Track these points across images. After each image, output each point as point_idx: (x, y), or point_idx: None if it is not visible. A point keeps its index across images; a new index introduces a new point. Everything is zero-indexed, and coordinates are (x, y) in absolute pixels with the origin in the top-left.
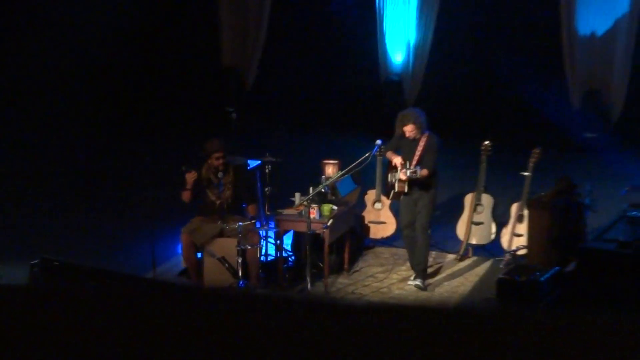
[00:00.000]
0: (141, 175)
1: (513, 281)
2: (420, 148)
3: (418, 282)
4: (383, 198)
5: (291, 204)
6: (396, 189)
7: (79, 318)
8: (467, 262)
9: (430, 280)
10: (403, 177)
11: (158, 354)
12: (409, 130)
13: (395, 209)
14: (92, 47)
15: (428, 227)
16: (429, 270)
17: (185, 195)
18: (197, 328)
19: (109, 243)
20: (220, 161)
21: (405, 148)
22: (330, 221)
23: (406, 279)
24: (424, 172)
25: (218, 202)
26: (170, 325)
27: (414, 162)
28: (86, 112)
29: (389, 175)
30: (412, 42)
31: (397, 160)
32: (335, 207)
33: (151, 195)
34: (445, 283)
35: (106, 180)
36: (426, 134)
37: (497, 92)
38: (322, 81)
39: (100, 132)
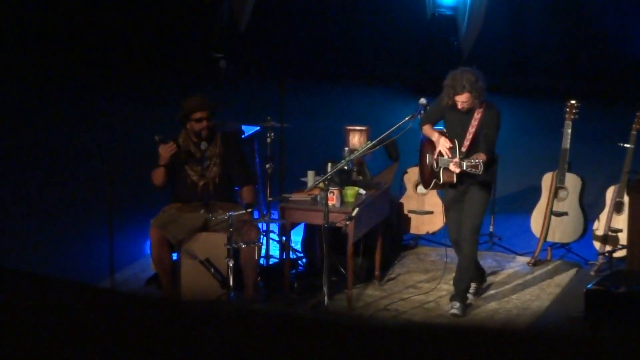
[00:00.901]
0: (96, 146)
1: (608, 293)
2: (475, 122)
3: (455, 310)
4: None
5: (302, 187)
6: (441, 180)
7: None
8: (544, 267)
9: (493, 292)
10: (456, 170)
11: None
12: (463, 100)
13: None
14: None
15: (478, 231)
16: (490, 278)
17: (157, 175)
18: (169, 357)
19: (52, 240)
20: (204, 124)
21: (453, 122)
22: (356, 210)
23: None
24: (482, 157)
25: (201, 182)
26: (132, 352)
27: (467, 144)
28: (19, 61)
29: (427, 157)
30: None
31: (442, 143)
32: (362, 191)
33: (108, 174)
34: (514, 296)
35: (47, 154)
36: (483, 103)
37: (588, 33)
38: (344, 18)
39: (38, 88)
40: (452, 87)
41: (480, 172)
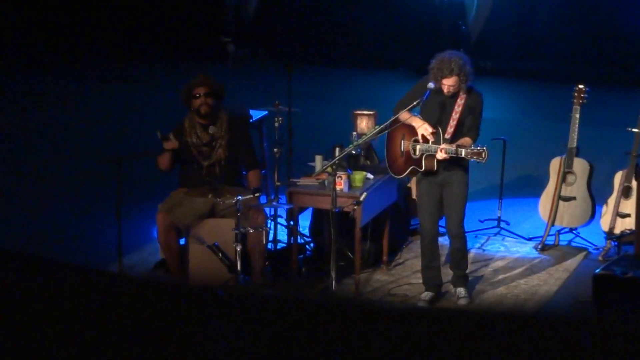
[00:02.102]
0: (104, 131)
1: (616, 278)
2: (458, 108)
3: (462, 299)
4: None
5: (310, 171)
6: (423, 167)
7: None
8: (552, 252)
9: (501, 277)
10: (444, 157)
11: None
12: (450, 84)
13: None
14: None
15: (463, 222)
16: (498, 263)
17: (163, 160)
18: (176, 343)
19: (61, 224)
20: (202, 99)
21: (435, 106)
22: (364, 195)
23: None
24: (469, 141)
25: (206, 164)
26: (138, 338)
27: (451, 130)
28: (29, 44)
29: (401, 143)
30: None
31: (425, 130)
32: (370, 176)
33: (117, 158)
34: (522, 281)
35: (55, 138)
36: (467, 88)
37: (597, 17)
38: (352, 2)
39: (46, 72)
40: (439, 69)
41: (485, 160)
